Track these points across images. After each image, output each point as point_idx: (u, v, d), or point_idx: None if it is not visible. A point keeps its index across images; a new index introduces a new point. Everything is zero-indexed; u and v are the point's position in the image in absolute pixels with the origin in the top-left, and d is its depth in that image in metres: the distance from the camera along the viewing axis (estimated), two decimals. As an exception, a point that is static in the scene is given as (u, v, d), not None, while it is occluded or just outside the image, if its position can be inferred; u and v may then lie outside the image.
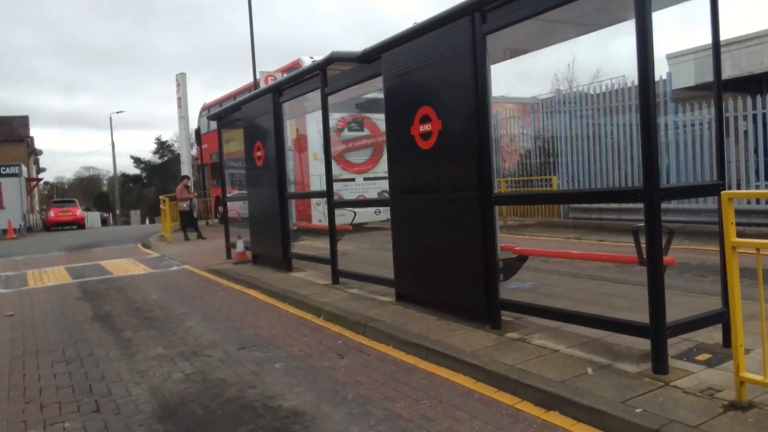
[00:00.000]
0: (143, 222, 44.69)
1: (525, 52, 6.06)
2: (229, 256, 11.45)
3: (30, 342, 6.22)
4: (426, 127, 5.53)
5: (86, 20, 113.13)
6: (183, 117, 18.63)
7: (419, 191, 5.76)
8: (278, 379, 4.52)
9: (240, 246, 10.51)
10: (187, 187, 16.33)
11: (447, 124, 5.30)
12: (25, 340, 6.31)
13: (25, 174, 33.36)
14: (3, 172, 31.07)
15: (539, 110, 16.55)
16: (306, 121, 14.93)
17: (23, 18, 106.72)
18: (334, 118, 13.95)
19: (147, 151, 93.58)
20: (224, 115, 10.96)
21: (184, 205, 15.97)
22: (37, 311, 7.85)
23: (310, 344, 5.44)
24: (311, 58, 14.74)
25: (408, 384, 4.20)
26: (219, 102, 19.85)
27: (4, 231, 26.75)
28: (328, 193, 7.54)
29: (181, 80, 19.56)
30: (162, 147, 66.17)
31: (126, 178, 69.11)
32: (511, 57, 6.03)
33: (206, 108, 20.99)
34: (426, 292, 5.81)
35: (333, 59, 6.85)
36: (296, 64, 15.79)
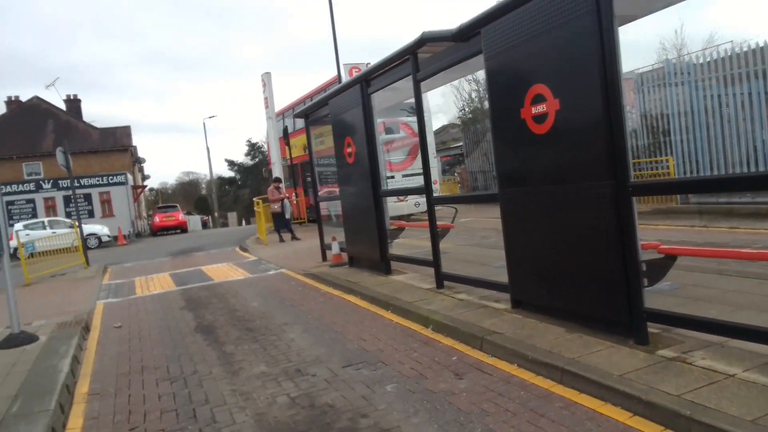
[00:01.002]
0: (240, 224, 46.27)
1: (633, 18, 5.15)
2: (324, 258, 11.20)
3: (136, 357, 6.14)
4: (540, 108, 4.82)
5: (170, 31, 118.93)
6: (270, 117, 18.74)
7: (536, 182, 5.06)
8: (392, 406, 4.03)
9: (335, 248, 10.20)
10: (278, 188, 16.36)
11: (566, 104, 4.56)
12: (132, 355, 6.24)
13: (130, 182, 35.39)
14: (110, 181, 33.12)
15: (645, 85, 15.10)
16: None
17: (113, 32, 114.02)
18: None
19: (239, 153, 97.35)
20: (311, 111, 10.67)
21: (276, 206, 16.01)
22: (143, 322, 7.88)
23: (422, 361, 4.92)
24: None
25: (546, 416, 3.56)
26: (292, 107, 20.01)
27: (116, 238, 28.42)
28: (427, 189, 6.98)
29: (266, 80, 19.67)
30: (253, 149, 68.36)
31: (222, 180, 72.07)
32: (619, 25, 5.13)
33: (279, 114, 21.28)
34: (550, 299, 5.11)
35: (424, 40, 6.26)
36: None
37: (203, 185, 79.10)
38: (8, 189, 31.41)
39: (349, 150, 8.93)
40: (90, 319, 8.30)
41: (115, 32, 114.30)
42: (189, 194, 76.75)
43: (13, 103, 39.44)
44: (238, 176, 71.14)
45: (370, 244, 8.67)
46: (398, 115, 16.50)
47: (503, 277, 5.71)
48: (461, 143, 23.94)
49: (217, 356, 5.80)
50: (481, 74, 23.38)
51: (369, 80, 8.14)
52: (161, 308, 8.74)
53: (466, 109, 24.99)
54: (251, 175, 68.64)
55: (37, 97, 39.59)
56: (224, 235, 26.91)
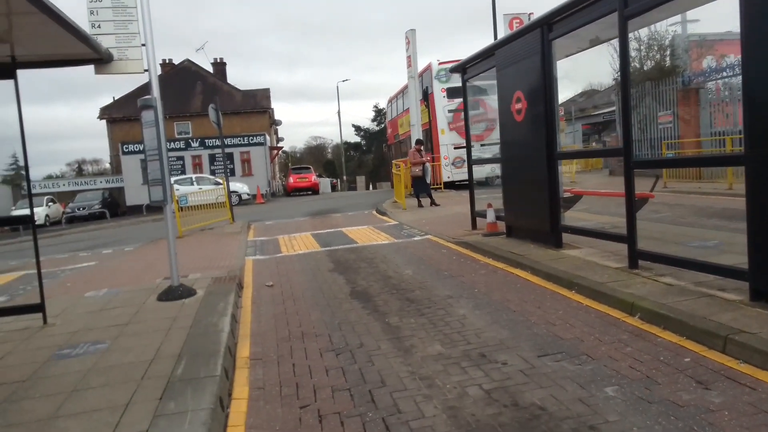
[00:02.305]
0: (367, 188, 46.66)
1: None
2: (474, 225, 10.35)
3: (293, 321, 5.73)
4: None
5: None
6: (413, 76, 17.91)
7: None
8: (627, 419, 3.13)
9: (491, 215, 9.30)
10: (419, 151, 15.67)
11: None
12: (289, 318, 5.85)
13: (268, 143, 36.64)
14: (251, 141, 34.43)
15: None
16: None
17: (246, 1, 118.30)
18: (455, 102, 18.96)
19: (365, 119, 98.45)
20: (471, 64, 9.69)
21: (417, 170, 15.34)
22: (294, 282, 7.55)
23: (642, 359, 3.94)
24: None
25: None
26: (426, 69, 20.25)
27: (254, 196, 29.57)
28: (626, 151, 5.83)
29: (410, 37, 18.79)
30: (379, 114, 68.62)
31: (347, 145, 73.33)
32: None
33: (394, 98, 21.64)
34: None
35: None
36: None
37: (329, 149, 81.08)
38: (161, 147, 33.70)
39: (518, 106, 7.90)
40: (242, 275, 8.15)
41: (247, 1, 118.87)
42: (316, 158, 79.12)
43: (166, 65, 42.19)
44: (363, 142, 72.02)
45: (538, 212, 7.67)
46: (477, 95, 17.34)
47: (723, 260, 4.54)
48: (613, 108, 21.72)
49: (382, 328, 5.20)
50: (643, 32, 20.94)
51: (552, 23, 7.02)
52: (310, 269, 8.41)
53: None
54: (376, 141, 69.18)
55: (188, 60, 42.06)
56: (356, 197, 26.94)
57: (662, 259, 5.68)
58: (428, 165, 15.43)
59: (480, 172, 15.23)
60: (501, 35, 16.85)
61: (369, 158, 72.11)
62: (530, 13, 17.38)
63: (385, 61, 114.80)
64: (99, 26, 6.13)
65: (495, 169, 14.18)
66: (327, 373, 4.26)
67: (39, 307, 5.83)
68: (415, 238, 10.51)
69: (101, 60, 6.01)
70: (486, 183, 16.48)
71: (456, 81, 18.89)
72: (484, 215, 9.93)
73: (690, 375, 3.62)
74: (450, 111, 20.46)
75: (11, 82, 5.39)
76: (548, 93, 7.22)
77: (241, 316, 6.13)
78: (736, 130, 16.30)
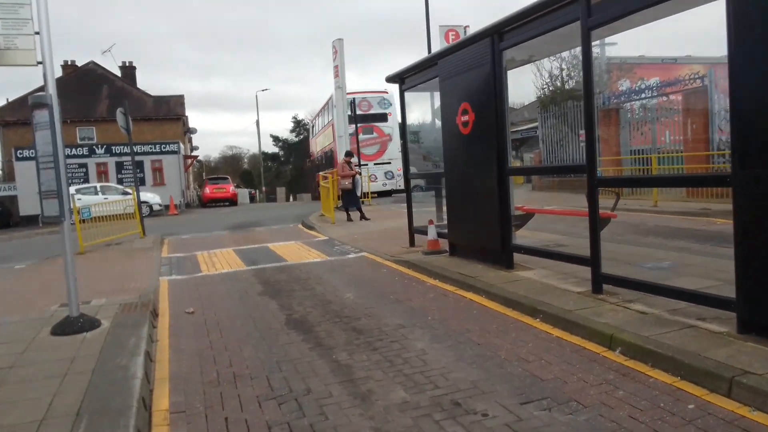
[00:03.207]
0: (287, 199, 45.38)
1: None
2: (412, 243, 9.78)
3: (222, 359, 4.85)
4: None
5: (212, 5, 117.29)
6: (340, 87, 17.27)
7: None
8: (654, 493, 2.58)
9: (432, 232, 8.76)
10: (349, 163, 15.00)
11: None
12: (216, 355, 4.96)
13: (182, 151, 34.71)
14: (163, 149, 32.43)
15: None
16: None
17: (153, 4, 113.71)
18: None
19: (284, 129, 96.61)
20: (409, 74, 9.17)
21: (347, 182, 14.65)
22: (219, 309, 6.62)
23: (639, 405, 3.45)
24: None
25: None
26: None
27: (167, 207, 27.72)
28: (590, 168, 5.45)
29: (338, 46, 18.14)
30: (298, 125, 67.58)
31: (265, 156, 71.49)
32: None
33: (318, 113, 22.49)
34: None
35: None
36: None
37: (246, 159, 78.82)
38: (62, 152, 31.01)
39: (464, 118, 7.43)
40: (156, 299, 7.10)
41: (156, 3, 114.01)
42: (233, 168, 76.45)
43: (69, 67, 39.15)
44: (281, 152, 70.58)
45: (487, 230, 7.20)
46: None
47: (683, 283, 4.23)
48: (535, 124, 22.10)
49: (330, 368, 4.45)
50: (565, 53, 21.49)
51: (503, 32, 6.60)
52: (236, 292, 7.49)
53: (545, 90, 23.00)
54: (295, 152, 67.89)
55: (93, 62, 39.25)
56: (278, 209, 25.81)
57: (629, 283, 5.31)
58: (358, 178, 14.79)
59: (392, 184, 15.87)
60: (435, 48, 16.64)
61: (287, 169, 70.62)
62: (466, 26, 17.30)
63: (301, 73, 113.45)
64: (-20, 9, 5.02)
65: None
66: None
67: None
68: (350, 256, 9.79)
69: (-18, 47, 4.91)
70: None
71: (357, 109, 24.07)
72: (423, 232, 9.40)
73: (701, 427, 3.14)
74: (350, 134, 23.59)
75: None
76: (499, 105, 6.78)
77: (157, 353, 5.16)
78: (653, 148, 16.91)
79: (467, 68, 7.31)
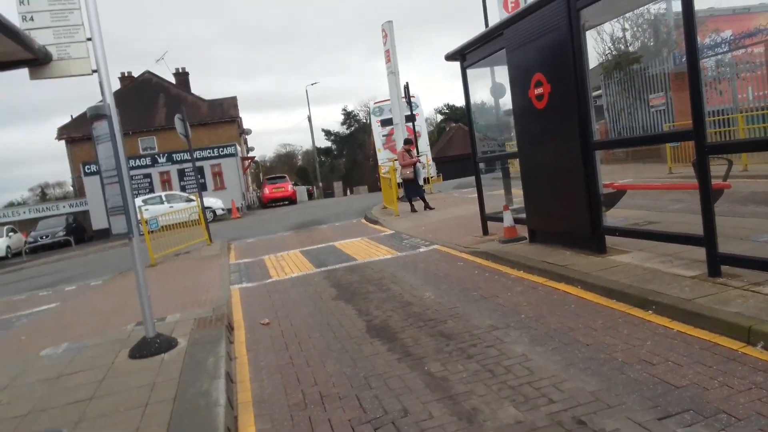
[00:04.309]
0: (344, 194, 45.39)
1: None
2: (486, 231, 9.24)
3: (305, 377, 4.51)
4: None
5: (251, 5, 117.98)
6: (393, 72, 16.77)
7: None
8: None
9: (508, 218, 8.19)
10: (408, 151, 14.53)
11: None
12: (298, 372, 4.63)
13: (239, 154, 35.15)
14: (221, 153, 32.91)
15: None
16: None
17: (197, 11, 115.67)
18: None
19: (335, 122, 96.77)
20: (470, 49, 8.57)
21: (408, 172, 14.20)
22: (294, 317, 6.33)
23: (811, 417, 2.85)
24: None
25: None
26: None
27: (229, 210, 28.08)
28: (698, 133, 4.77)
29: (387, 30, 17.53)
30: (348, 117, 67.57)
31: (318, 151, 71.90)
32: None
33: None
34: None
35: None
36: None
37: (299, 156, 79.45)
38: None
39: (538, 91, 6.81)
40: (230, 311, 6.89)
41: (198, 11, 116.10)
42: (287, 166, 77.29)
43: (126, 78, 40.31)
44: (333, 146, 70.78)
45: (572, 212, 6.59)
46: None
47: None
48: (598, 92, 20.88)
49: (424, 382, 4.03)
50: (638, 11, 20.09)
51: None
52: (309, 297, 7.19)
53: (608, 55, 21.66)
54: (347, 144, 67.92)
55: (148, 72, 40.25)
56: (338, 205, 25.68)
57: (752, 263, 4.64)
58: (419, 166, 14.31)
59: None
60: (493, 21, 15.78)
61: (341, 162, 70.81)
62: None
63: (345, 63, 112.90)
64: (32, 18, 4.83)
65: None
66: (370, 465, 3.08)
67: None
68: (421, 250, 9.35)
69: (36, 60, 4.72)
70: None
71: (386, 114, 26.19)
72: (496, 219, 8.86)
73: None
74: (383, 135, 27.70)
75: None
76: (579, 73, 6.14)
77: (236, 372, 4.89)
78: (734, 107, 15.56)
79: (539, 35, 6.69)
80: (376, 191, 31.15)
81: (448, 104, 68.14)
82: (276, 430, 3.69)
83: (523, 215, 8.28)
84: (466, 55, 8.79)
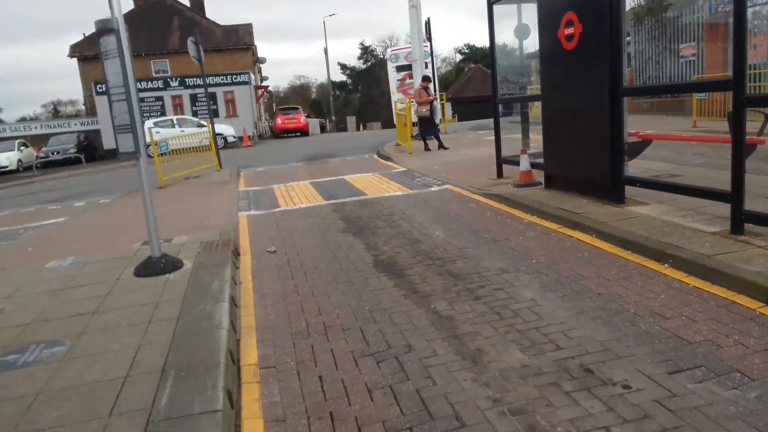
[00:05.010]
0: (357, 128, 44.83)
1: None
2: (500, 174, 9.04)
3: (309, 306, 4.47)
4: None
5: None
6: (415, 6, 16.13)
7: None
8: None
9: (525, 163, 7.98)
10: (426, 89, 14.13)
11: None
12: (303, 301, 4.59)
13: (253, 82, 34.53)
14: (234, 80, 32.33)
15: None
16: None
17: None
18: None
19: (351, 56, 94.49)
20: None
21: (424, 109, 13.85)
22: (301, 247, 6.27)
23: (830, 382, 2.76)
24: None
25: None
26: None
27: (240, 139, 27.84)
28: (737, 83, 4.50)
29: (411, -39, 16.80)
30: (365, 52, 66.03)
31: (333, 84, 70.54)
32: None
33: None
34: None
35: None
36: None
37: (314, 89, 78.13)
38: (139, 86, 31.48)
39: (569, 31, 6.45)
40: (236, 237, 6.84)
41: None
42: (301, 98, 76.10)
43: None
44: (349, 80, 69.53)
45: (593, 160, 6.38)
46: None
47: None
48: (628, 38, 20.09)
49: (430, 320, 3.97)
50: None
51: None
52: (316, 228, 7.11)
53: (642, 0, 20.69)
54: (363, 80, 66.62)
55: (163, -8, 39.08)
56: (351, 139, 25.35)
57: (780, 222, 4.45)
58: (437, 104, 13.94)
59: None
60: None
61: (356, 97, 69.69)
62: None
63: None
64: None
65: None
66: (371, 397, 3.05)
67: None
68: (433, 189, 9.20)
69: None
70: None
71: (401, 61, 28.95)
72: (511, 162, 8.65)
73: None
74: (398, 80, 29.71)
75: None
76: (615, 13, 5.78)
77: (241, 297, 4.86)
78: (765, 62, 14.91)
79: (573, -30, 6.28)
80: (390, 128, 30.86)
81: (468, 44, 66.19)
82: (278, 356, 3.67)
83: (540, 160, 8.07)
84: (495, -12, 8.33)
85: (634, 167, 7.59)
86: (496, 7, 8.69)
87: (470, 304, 4.19)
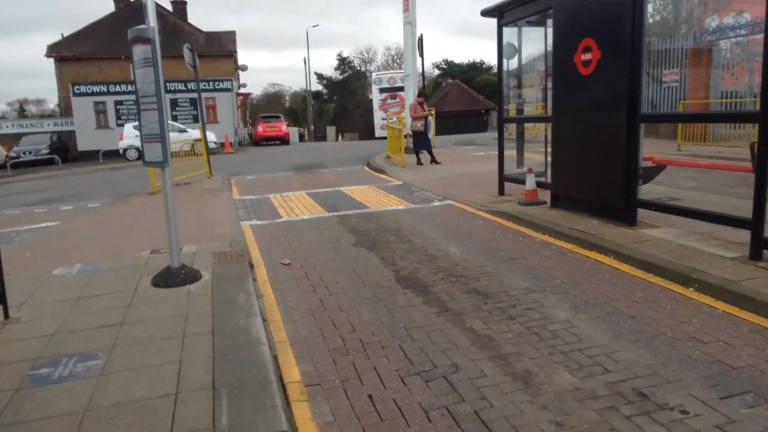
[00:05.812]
0: (336, 139, 44.80)
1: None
2: (501, 191, 9.15)
3: (341, 322, 4.44)
4: None
5: None
6: (410, 22, 16.23)
7: None
8: None
9: (531, 182, 8.10)
10: (421, 104, 14.23)
11: None
12: (333, 317, 4.55)
13: (235, 89, 34.26)
14: (217, 87, 32.04)
15: None
16: None
17: None
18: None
19: (328, 66, 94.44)
20: (511, 7, 8.26)
21: (419, 124, 13.94)
22: (315, 261, 6.22)
23: None
24: None
25: None
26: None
27: (222, 145, 27.56)
28: (765, 115, 4.65)
29: (408, -22, 16.99)
30: (343, 63, 66.21)
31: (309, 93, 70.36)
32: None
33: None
34: None
35: None
36: None
37: (287, 97, 77.88)
38: (117, 89, 30.98)
39: (586, 57, 6.60)
40: (246, 248, 6.76)
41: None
42: (273, 106, 75.58)
43: (121, 2, 38.56)
44: (324, 90, 69.57)
45: (606, 182, 6.51)
46: None
47: None
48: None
49: (469, 339, 3.98)
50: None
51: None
52: (327, 241, 7.07)
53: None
54: (339, 90, 66.71)
55: (144, -5, 38.45)
56: (336, 150, 25.30)
57: (799, 250, 4.61)
58: (430, 119, 14.04)
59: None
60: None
61: (330, 108, 69.67)
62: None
63: (339, 8, 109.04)
64: None
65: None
66: (428, 418, 3.04)
67: (-2, 300, 4.36)
68: (435, 204, 9.24)
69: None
70: None
71: (384, 84, 33.31)
72: (514, 180, 8.78)
73: None
74: (380, 100, 33.18)
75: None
76: (636, 41, 5.94)
77: (265, 310, 4.80)
78: (748, 90, 15.44)
79: (593, -2, 6.44)
80: (368, 139, 31.52)
81: (446, 59, 66.89)
82: (320, 374, 3.63)
83: (543, 179, 8.21)
84: (504, 13, 8.47)
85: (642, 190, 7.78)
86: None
87: (506, 323, 4.21)
